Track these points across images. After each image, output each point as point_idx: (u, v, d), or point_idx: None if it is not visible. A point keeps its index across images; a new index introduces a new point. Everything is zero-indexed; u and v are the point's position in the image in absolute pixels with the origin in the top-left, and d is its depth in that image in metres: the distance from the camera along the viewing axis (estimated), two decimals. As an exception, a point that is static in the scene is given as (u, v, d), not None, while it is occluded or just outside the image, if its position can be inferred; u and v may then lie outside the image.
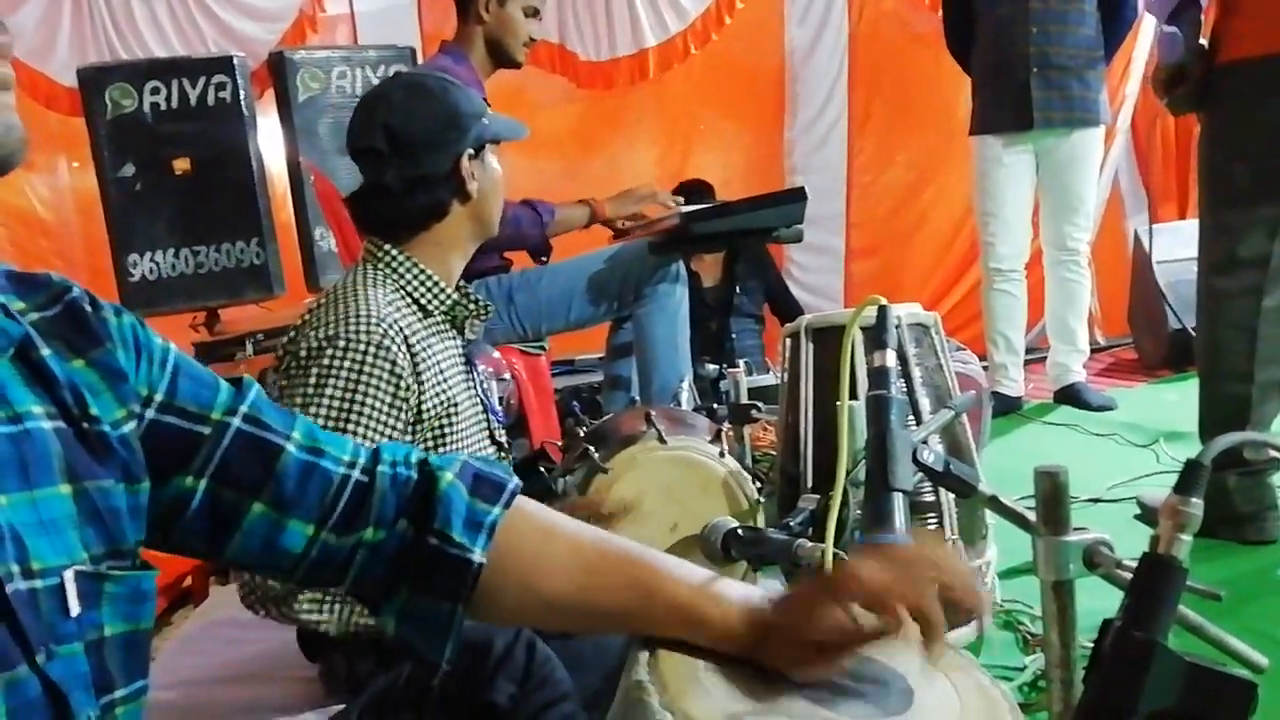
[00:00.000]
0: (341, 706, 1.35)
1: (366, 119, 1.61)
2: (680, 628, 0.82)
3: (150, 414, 0.76)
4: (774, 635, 0.80)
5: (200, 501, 0.78)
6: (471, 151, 1.62)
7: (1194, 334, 2.46)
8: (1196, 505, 0.78)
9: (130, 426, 0.73)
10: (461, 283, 1.67)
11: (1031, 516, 1.14)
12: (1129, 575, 0.80)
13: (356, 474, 0.84)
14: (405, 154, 1.57)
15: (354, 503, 0.83)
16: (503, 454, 1.70)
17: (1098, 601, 0.94)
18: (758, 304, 4.60)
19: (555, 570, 0.85)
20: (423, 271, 1.58)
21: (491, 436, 1.66)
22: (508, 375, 2.67)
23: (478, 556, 0.83)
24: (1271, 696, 0.78)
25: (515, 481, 0.89)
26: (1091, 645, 0.79)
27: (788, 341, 2.08)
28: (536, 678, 1.11)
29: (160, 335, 0.80)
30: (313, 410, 1.40)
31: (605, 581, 0.84)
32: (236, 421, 0.80)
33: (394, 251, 1.58)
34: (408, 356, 1.46)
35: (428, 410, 1.50)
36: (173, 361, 0.79)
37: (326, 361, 1.42)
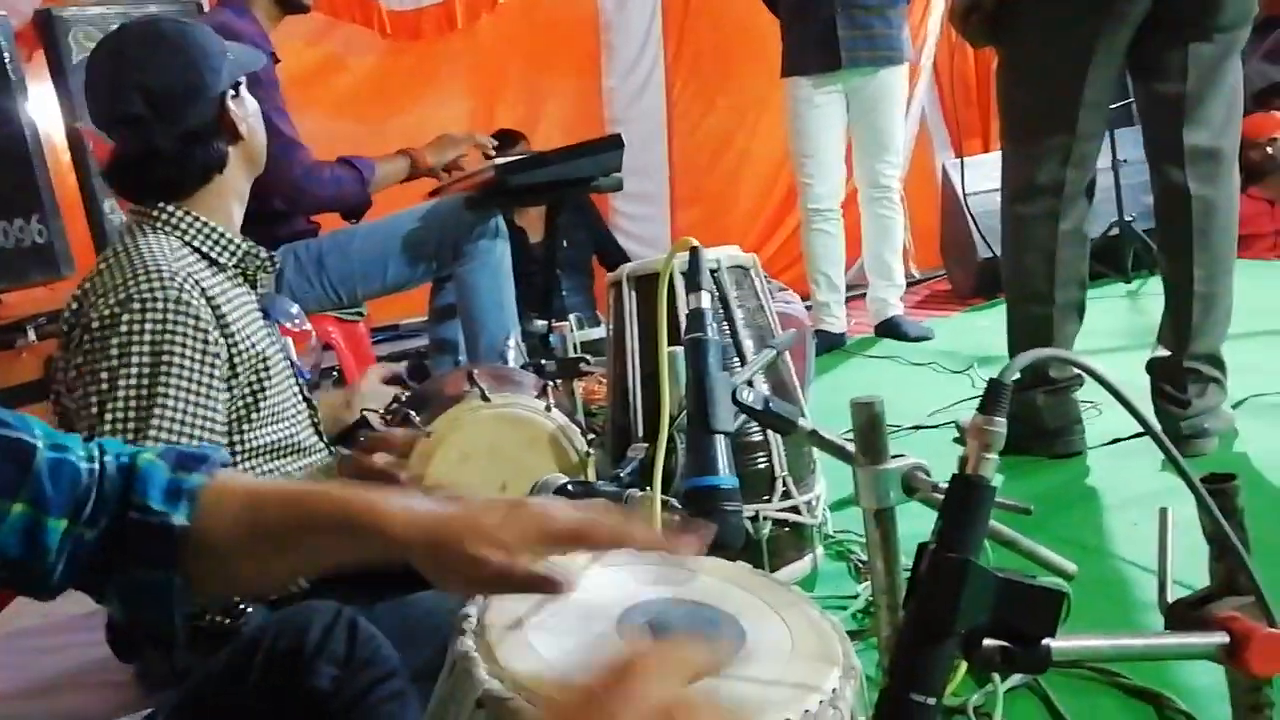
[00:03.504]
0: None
1: (114, 84, 1.48)
2: (349, 538, 0.81)
3: None
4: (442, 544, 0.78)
5: None
6: (231, 90, 1.54)
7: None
8: (1000, 424, 0.79)
9: None
10: (243, 236, 1.59)
11: (851, 448, 1.15)
12: (944, 498, 0.81)
13: (95, 466, 0.84)
14: (168, 112, 1.47)
15: (98, 495, 0.83)
16: (312, 411, 1.63)
17: (924, 525, 0.96)
18: (586, 258, 4.56)
19: (231, 523, 0.84)
20: (206, 224, 1.50)
21: (300, 392, 1.59)
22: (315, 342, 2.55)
23: (179, 520, 0.83)
24: (1083, 597, 0.81)
25: (222, 455, 0.90)
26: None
27: (611, 291, 2.05)
28: (359, 657, 1.05)
29: None
30: (121, 381, 1.32)
31: (267, 516, 0.84)
32: None
33: (170, 208, 1.49)
34: (209, 310, 1.39)
35: (241, 364, 1.43)
36: None
37: (124, 328, 1.33)
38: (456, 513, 0.79)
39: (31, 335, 2.69)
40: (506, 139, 4.12)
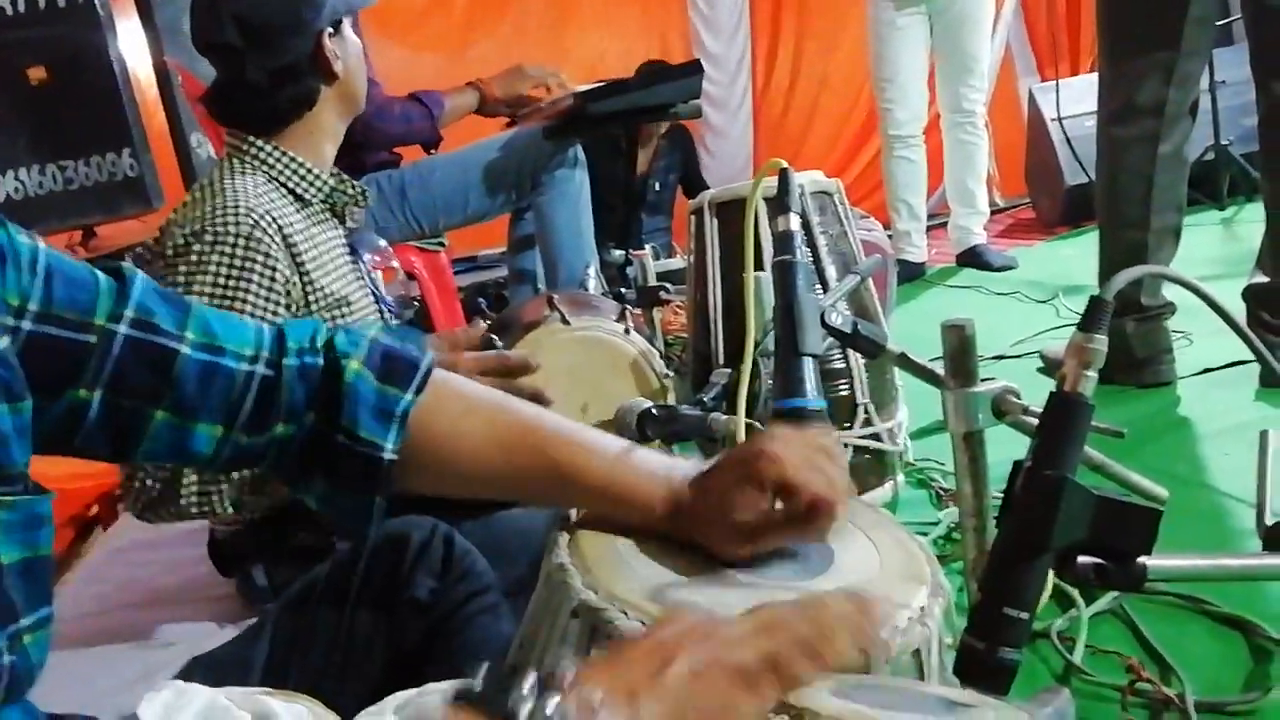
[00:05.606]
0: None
1: (210, 13, 1.50)
2: (599, 503, 0.82)
3: (27, 325, 0.70)
4: (694, 516, 0.79)
5: (97, 413, 0.74)
6: (330, 28, 1.53)
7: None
8: (1101, 341, 0.78)
9: (4, 342, 0.67)
10: (335, 170, 1.60)
11: (940, 371, 1.14)
12: (1036, 422, 0.81)
13: (261, 369, 0.81)
14: (262, 45, 1.48)
15: (263, 400, 0.80)
16: None
17: (1006, 452, 0.95)
18: (672, 193, 4.53)
19: (471, 449, 0.84)
20: (294, 160, 1.52)
21: (386, 328, 1.62)
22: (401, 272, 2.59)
23: (388, 453, 0.81)
24: (1174, 525, 0.80)
25: (429, 359, 0.86)
26: (1002, 494, 0.80)
27: (692, 218, 2.04)
28: (456, 571, 1.09)
29: (27, 234, 0.73)
30: None
31: (522, 460, 0.83)
32: (124, 328, 0.74)
33: (260, 143, 1.51)
34: (283, 248, 1.41)
35: (317, 303, 1.46)
36: (44, 263, 0.72)
37: (194, 258, 1.36)
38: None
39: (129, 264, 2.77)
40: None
